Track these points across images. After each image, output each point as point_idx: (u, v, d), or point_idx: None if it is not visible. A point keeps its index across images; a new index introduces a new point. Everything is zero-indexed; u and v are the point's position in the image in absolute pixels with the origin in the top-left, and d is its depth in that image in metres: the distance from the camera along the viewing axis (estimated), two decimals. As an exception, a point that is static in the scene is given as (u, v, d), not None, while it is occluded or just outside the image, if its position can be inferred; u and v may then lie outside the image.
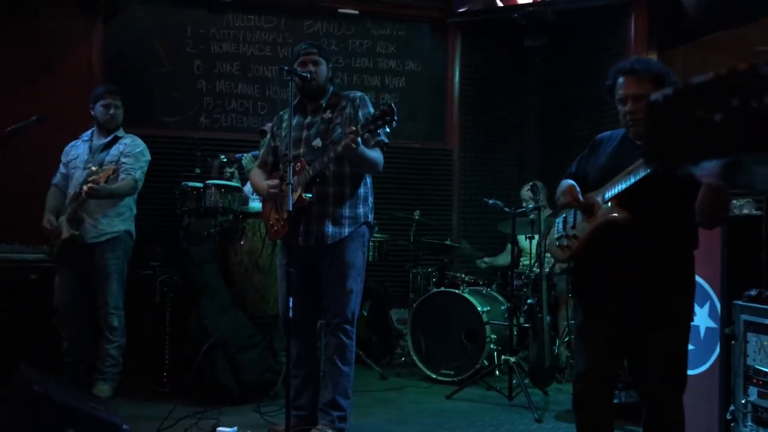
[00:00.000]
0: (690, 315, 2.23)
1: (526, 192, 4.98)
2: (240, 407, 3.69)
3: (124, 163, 3.86)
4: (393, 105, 2.84)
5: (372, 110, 3.16)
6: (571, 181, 2.37)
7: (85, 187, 3.61)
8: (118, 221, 3.89)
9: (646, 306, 2.19)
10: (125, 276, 3.96)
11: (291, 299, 2.77)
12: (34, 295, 3.95)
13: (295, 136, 3.15)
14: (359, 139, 2.86)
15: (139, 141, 4.02)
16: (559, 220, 2.50)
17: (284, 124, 3.28)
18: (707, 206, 2.02)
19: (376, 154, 3.08)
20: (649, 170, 2.07)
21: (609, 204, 2.20)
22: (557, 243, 2.44)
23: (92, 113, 3.96)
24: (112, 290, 3.86)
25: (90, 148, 3.94)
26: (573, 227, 2.37)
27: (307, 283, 3.20)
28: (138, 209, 3.97)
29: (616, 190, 2.18)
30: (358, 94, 3.24)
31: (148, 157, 4.02)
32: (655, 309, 2.18)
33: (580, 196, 2.29)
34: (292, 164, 2.90)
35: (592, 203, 2.27)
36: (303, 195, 3.02)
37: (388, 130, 2.92)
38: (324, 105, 3.21)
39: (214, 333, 3.79)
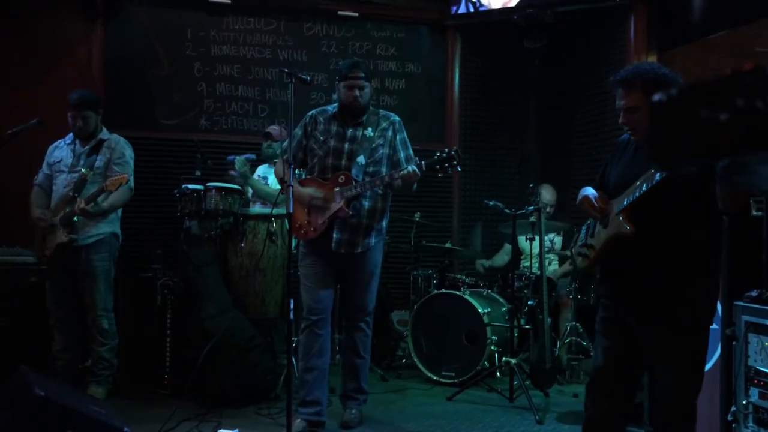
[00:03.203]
0: (709, 320, 2.23)
1: (545, 195, 4.94)
2: (241, 409, 3.70)
3: (117, 172, 3.84)
4: (459, 151, 3.17)
5: (405, 135, 3.49)
6: (590, 189, 2.38)
7: (81, 204, 3.61)
8: (104, 224, 3.87)
9: (660, 313, 2.18)
10: (112, 277, 3.93)
11: (291, 301, 2.80)
12: (34, 298, 3.95)
13: (337, 146, 3.34)
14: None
15: (123, 142, 3.99)
16: (584, 227, 2.53)
17: (321, 127, 3.41)
18: (721, 201, 2.01)
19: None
20: (657, 179, 2.06)
21: (620, 216, 2.21)
22: (578, 251, 2.48)
23: None
24: (100, 292, 3.85)
25: (74, 151, 3.92)
26: (592, 236, 2.39)
27: (330, 281, 3.43)
28: (138, 212, 3.96)
29: (626, 202, 2.19)
30: (397, 118, 3.48)
31: (133, 154, 4.02)
32: (669, 316, 2.17)
33: (596, 202, 2.31)
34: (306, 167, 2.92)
35: (608, 213, 2.29)
36: (346, 208, 3.22)
37: (450, 172, 3.19)
38: (365, 121, 3.38)
39: (215, 335, 3.78)
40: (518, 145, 6.00)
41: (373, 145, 3.35)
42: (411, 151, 3.47)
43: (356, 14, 5.64)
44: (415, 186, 3.31)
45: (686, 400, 2.19)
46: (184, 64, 5.36)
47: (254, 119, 5.49)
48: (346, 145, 3.33)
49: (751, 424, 2.61)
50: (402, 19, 5.77)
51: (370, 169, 3.33)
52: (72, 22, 5.12)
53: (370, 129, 3.37)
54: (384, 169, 3.35)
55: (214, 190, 4.16)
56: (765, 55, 4.01)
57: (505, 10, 5.37)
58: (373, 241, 3.40)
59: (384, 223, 3.48)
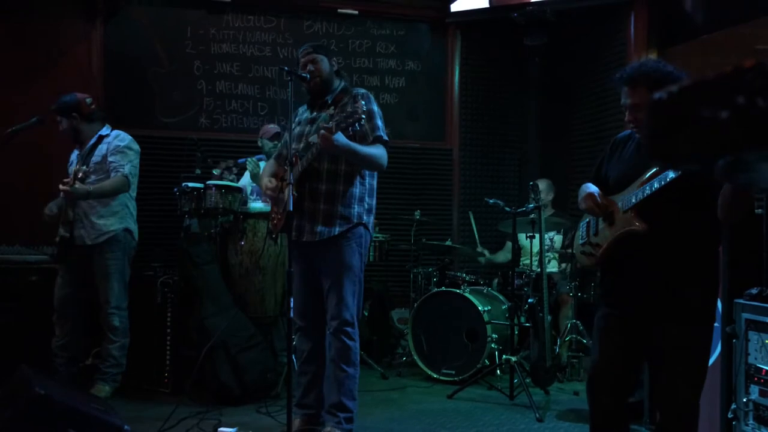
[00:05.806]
0: (712, 316, 2.22)
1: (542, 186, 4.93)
2: (241, 407, 3.70)
3: (111, 161, 3.82)
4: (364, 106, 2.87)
5: (371, 107, 3.10)
6: (592, 187, 2.36)
7: (61, 187, 3.58)
8: (114, 220, 3.84)
9: (668, 308, 2.18)
10: (127, 276, 3.92)
11: (291, 299, 2.79)
12: (34, 297, 3.95)
13: (300, 131, 3.20)
14: (340, 134, 2.83)
15: (124, 135, 3.95)
16: (583, 224, 2.51)
17: (298, 118, 3.32)
18: (728, 204, 2.01)
19: (374, 150, 3.04)
20: (670, 178, 2.05)
21: (628, 214, 2.20)
22: (582, 250, 2.46)
23: None
24: (113, 290, 3.84)
25: (79, 153, 3.93)
26: (595, 234, 2.37)
27: (312, 281, 3.19)
28: (138, 210, 3.94)
29: (636, 199, 2.17)
30: (362, 91, 3.18)
31: (137, 148, 3.96)
32: (676, 311, 2.17)
33: (599, 199, 2.29)
34: (292, 163, 2.91)
35: (612, 210, 2.28)
36: (294, 192, 2.99)
37: (358, 128, 2.90)
38: (330, 101, 3.20)
39: (215, 333, 3.79)
40: (518, 143, 6.00)
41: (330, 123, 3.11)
42: (379, 122, 3.11)
43: (356, 12, 5.64)
44: (362, 151, 2.99)
45: (690, 398, 2.20)
46: (184, 62, 5.36)
47: (254, 117, 5.49)
48: (307, 128, 3.19)
49: (751, 422, 2.62)
50: (402, 17, 5.77)
51: None
52: (72, 22, 5.12)
53: (332, 108, 3.16)
54: None
55: (214, 189, 4.16)
56: (765, 53, 4.01)
57: (505, 8, 5.36)
58: (337, 229, 3.06)
59: (353, 211, 3.10)
